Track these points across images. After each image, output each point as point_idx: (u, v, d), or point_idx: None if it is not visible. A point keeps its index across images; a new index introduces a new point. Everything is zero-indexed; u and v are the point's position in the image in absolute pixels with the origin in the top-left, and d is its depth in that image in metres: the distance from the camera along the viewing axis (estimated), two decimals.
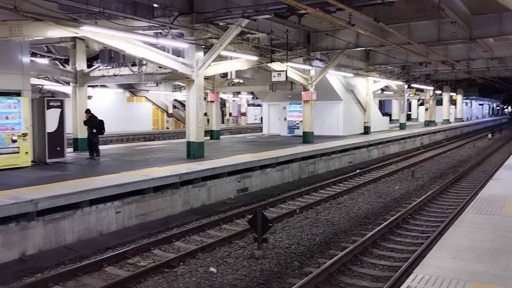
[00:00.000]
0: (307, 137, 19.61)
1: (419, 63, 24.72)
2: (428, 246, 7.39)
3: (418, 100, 47.18)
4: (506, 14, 14.70)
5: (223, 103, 44.97)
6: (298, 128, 23.23)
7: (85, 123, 14.04)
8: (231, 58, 17.24)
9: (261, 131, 28.61)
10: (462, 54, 22.11)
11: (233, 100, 46.87)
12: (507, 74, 32.82)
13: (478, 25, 15.80)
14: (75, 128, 16.41)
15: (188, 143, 13.99)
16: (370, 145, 21.12)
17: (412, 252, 7.77)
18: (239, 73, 20.84)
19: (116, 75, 17.51)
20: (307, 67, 19.23)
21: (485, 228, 5.62)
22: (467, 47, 20.61)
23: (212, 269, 7.13)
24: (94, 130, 13.72)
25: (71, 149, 16.08)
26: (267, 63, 17.18)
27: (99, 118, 13.97)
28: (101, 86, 26.67)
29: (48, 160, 12.36)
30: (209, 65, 13.80)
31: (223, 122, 44.75)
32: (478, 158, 21.04)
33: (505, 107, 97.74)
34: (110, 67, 17.33)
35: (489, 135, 34.53)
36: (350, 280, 6.70)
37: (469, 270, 4.20)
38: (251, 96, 45.22)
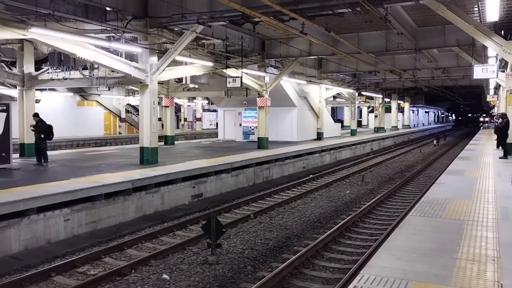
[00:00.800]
0: (262, 143, 19.83)
1: (369, 71, 25.66)
2: (375, 248, 7.69)
3: (368, 107, 48.80)
4: (449, 27, 15.60)
5: (178, 108, 44.53)
6: (253, 133, 23.44)
7: (33, 128, 13.51)
8: (186, 63, 17.18)
9: (217, 137, 28.59)
10: (408, 64, 23.18)
11: (188, 105, 46.52)
12: (451, 83, 34.66)
13: (423, 37, 16.68)
14: (21, 133, 15.75)
15: (142, 148, 13.80)
16: (323, 151, 21.62)
17: (361, 254, 8.06)
18: (194, 79, 20.79)
19: (66, 79, 16.97)
20: (262, 73, 19.48)
21: (426, 230, 5.94)
22: (413, 57, 21.62)
23: (165, 276, 7.08)
24: (42, 135, 13.23)
25: (17, 155, 15.43)
26: (222, 69, 17.27)
27: (48, 122, 13.50)
28: (50, 89, 25.72)
29: None
30: (163, 70, 13.70)
31: (178, 128, 44.31)
32: (424, 163, 22.04)
33: (449, 114, 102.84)
34: (59, 70, 16.79)
35: (435, 142, 36.19)
36: (302, 283, 6.86)
37: (411, 270, 4.44)
38: (207, 102, 45.08)
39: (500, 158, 15.13)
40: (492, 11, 9.00)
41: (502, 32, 11.52)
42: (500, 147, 17.89)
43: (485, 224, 6.27)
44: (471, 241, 5.44)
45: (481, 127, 59.67)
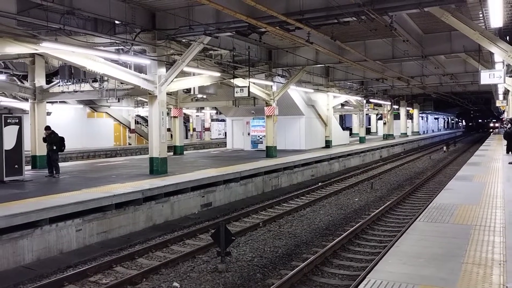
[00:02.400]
0: (270, 152, 19.91)
1: (376, 79, 25.68)
2: (384, 255, 7.70)
3: (377, 114, 48.67)
4: (455, 33, 15.62)
5: (186, 119, 44.86)
6: (261, 142, 23.55)
7: (45, 139, 13.75)
8: (194, 74, 17.39)
9: (225, 146, 28.76)
10: (416, 71, 23.16)
11: (197, 115, 46.86)
12: (459, 89, 34.53)
13: (429, 43, 16.72)
14: (33, 145, 16.03)
15: (151, 158, 13.96)
16: (332, 159, 21.64)
17: (370, 261, 8.07)
18: (202, 89, 20.99)
19: (76, 91, 17.30)
20: (269, 83, 19.63)
21: (434, 236, 5.97)
22: (420, 64, 21.64)
23: (175, 284, 7.17)
24: (54, 147, 13.45)
25: (29, 167, 15.68)
26: (230, 79, 17.44)
27: (59, 134, 13.73)
28: (61, 102, 26.14)
29: (5, 178, 12.00)
30: (171, 81, 13.91)
31: (186, 138, 44.60)
32: (433, 170, 21.94)
33: (459, 120, 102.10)
34: (70, 83, 17.11)
35: (444, 148, 35.98)
36: None
37: (417, 274, 4.48)
38: (215, 111, 45.39)
39: (509, 163, 15.05)
40: (496, 17, 9.05)
41: (508, 38, 11.55)
42: (510, 153, 17.80)
43: (492, 229, 6.28)
44: (478, 246, 5.46)
45: (491, 133, 59.12)
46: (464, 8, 11.15)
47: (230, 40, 15.47)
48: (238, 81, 17.49)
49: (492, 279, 4.36)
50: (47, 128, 13.76)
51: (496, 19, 9.32)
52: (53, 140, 13.47)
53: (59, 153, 13.81)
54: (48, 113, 19.26)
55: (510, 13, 9.73)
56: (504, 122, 26.44)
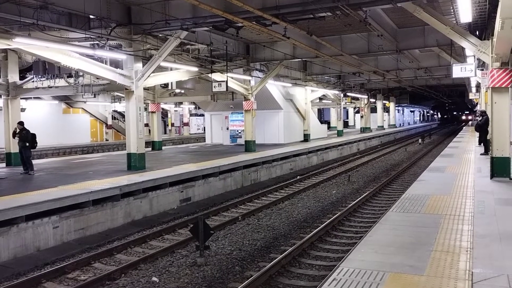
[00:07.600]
0: (249, 146, 20.00)
1: (353, 73, 25.99)
2: (357, 245, 7.89)
3: (354, 108, 49.26)
4: (428, 27, 15.92)
5: (165, 114, 44.54)
6: (240, 137, 23.62)
7: (14, 134, 13.44)
8: (171, 69, 17.31)
9: (204, 141, 28.73)
10: (391, 65, 23.55)
11: (175, 110, 46.55)
12: (434, 82, 35.25)
13: (403, 38, 17.03)
14: (7, 142, 15.74)
15: (129, 154, 13.89)
16: (310, 152, 21.86)
17: (346, 251, 8.25)
18: (180, 84, 20.90)
19: (51, 87, 17.01)
20: (247, 77, 19.69)
21: (405, 225, 6.18)
22: (396, 58, 21.99)
23: (154, 278, 7.21)
24: (27, 144, 13.22)
25: (4, 164, 15.40)
26: (208, 73, 17.42)
27: (34, 131, 13.50)
28: (35, 98, 25.63)
29: None
30: (148, 76, 13.83)
31: (165, 133, 44.31)
32: (408, 162, 22.40)
33: (435, 113, 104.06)
34: (44, 79, 16.82)
35: (420, 140, 36.68)
36: (288, 281, 7.04)
37: (388, 262, 4.66)
38: (194, 106, 45.17)
39: (481, 154, 15.51)
40: (465, 12, 9.29)
41: (477, 32, 11.87)
42: (482, 144, 18.32)
43: (461, 218, 6.53)
44: (447, 234, 5.68)
45: (464, 125, 60.42)
46: (435, 3, 11.41)
47: (207, 34, 15.44)
48: (216, 76, 17.48)
49: (459, 265, 4.56)
50: (20, 123, 13.51)
51: (465, 14, 9.57)
52: (25, 137, 13.23)
53: (31, 150, 13.58)
54: (22, 109, 18.91)
55: (479, 9, 10.01)
56: (476, 114, 27.15)
